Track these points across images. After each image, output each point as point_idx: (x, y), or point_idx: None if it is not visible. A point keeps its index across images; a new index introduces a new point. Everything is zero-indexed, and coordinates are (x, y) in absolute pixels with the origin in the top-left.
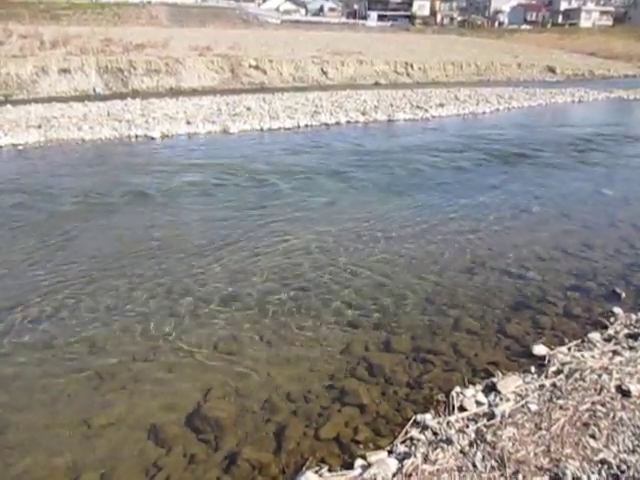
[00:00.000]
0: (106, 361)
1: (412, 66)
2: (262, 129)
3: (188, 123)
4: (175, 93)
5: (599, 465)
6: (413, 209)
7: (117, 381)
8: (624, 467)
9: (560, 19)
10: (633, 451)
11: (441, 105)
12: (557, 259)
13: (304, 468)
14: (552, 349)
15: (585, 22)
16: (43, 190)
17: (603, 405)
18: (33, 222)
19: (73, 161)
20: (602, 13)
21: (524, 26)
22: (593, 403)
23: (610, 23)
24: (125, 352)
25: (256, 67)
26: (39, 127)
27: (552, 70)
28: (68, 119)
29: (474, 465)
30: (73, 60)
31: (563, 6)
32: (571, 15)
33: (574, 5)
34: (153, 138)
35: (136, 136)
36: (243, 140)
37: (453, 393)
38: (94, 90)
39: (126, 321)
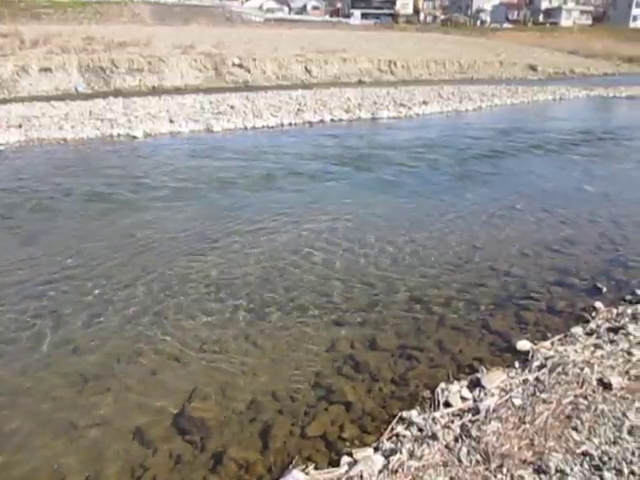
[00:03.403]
0: (90, 362)
1: (396, 64)
2: (246, 128)
3: (171, 122)
4: (158, 92)
5: (582, 457)
6: (396, 207)
7: (101, 382)
8: (605, 458)
9: (541, 18)
10: (614, 442)
11: (425, 103)
12: (540, 255)
13: (290, 466)
14: (535, 344)
15: (566, 21)
16: (20, 190)
17: (585, 398)
18: (15, 222)
19: (54, 161)
20: (582, 12)
21: (506, 25)
22: (575, 396)
23: (590, 22)
24: (109, 353)
25: (240, 65)
26: (20, 127)
27: (534, 68)
28: (49, 118)
29: (459, 460)
30: (54, 59)
31: (544, 5)
32: (552, 14)
33: (555, 4)
34: (135, 137)
35: (118, 135)
36: (227, 139)
37: (438, 389)
38: (76, 89)
39: (109, 322)
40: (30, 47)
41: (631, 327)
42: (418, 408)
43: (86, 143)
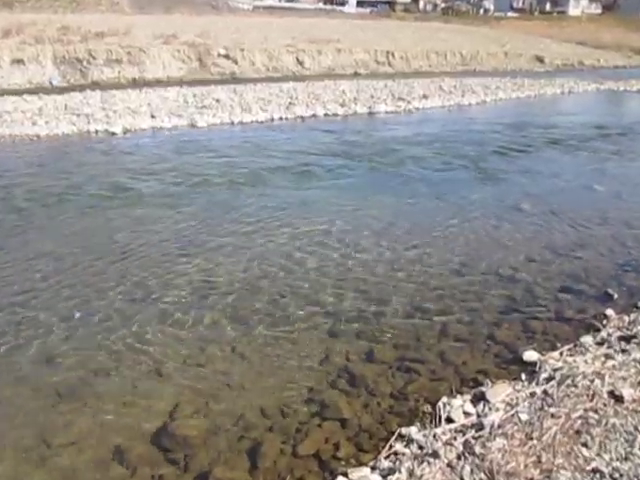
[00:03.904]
0: (65, 376)
1: (394, 55)
2: (233, 122)
3: (152, 117)
4: (138, 84)
5: (592, 474)
6: (395, 209)
7: (77, 398)
8: (617, 475)
9: (548, 7)
10: (626, 458)
11: (425, 96)
12: (548, 259)
13: None
14: (543, 354)
15: (574, 10)
16: None
17: (595, 412)
18: None
19: (26, 158)
20: (591, 1)
21: (510, 13)
22: (585, 410)
23: (599, 12)
24: (86, 366)
25: (226, 56)
26: None
27: (540, 60)
28: (22, 113)
29: (462, 479)
30: (27, 50)
31: None
32: (559, 2)
33: None
34: (114, 133)
35: (96, 131)
36: (212, 135)
37: (440, 404)
38: (50, 82)
39: (86, 333)
40: (1, 37)
41: None
42: (418, 424)
43: (61, 140)
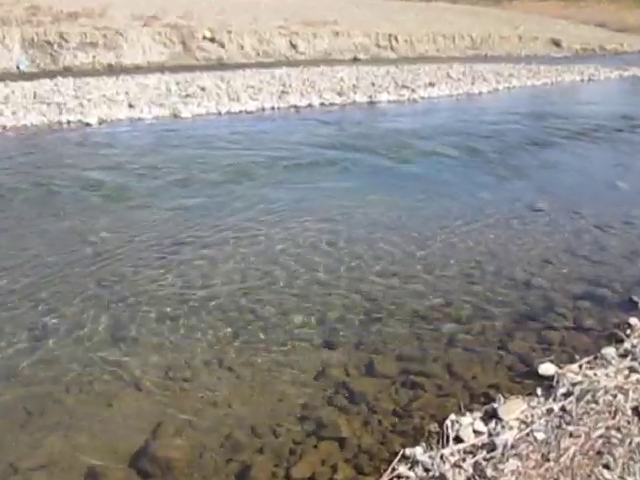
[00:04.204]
0: (34, 393)
1: (396, 38)
2: (220, 113)
3: (131, 106)
4: (115, 71)
5: None
6: (398, 208)
7: (48, 417)
8: None
9: None
10: None
11: (431, 84)
12: (566, 263)
13: None
14: (561, 368)
15: None
16: None
17: (618, 430)
18: None
19: None
20: None
21: None
22: (607, 428)
23: None
24: (57, 382)
25: (212, 39)
26: None
27: (557, 44)
28: None
29: None
30: None
31: None
32: None
33: None
34: (89, 124)
35: (68, 122)
36: (197, 126)
37: (447, 422)
38: (18, 67)
39: (58, 345)
40: None
41: None
42: (424, 444)
43: (30, 131)
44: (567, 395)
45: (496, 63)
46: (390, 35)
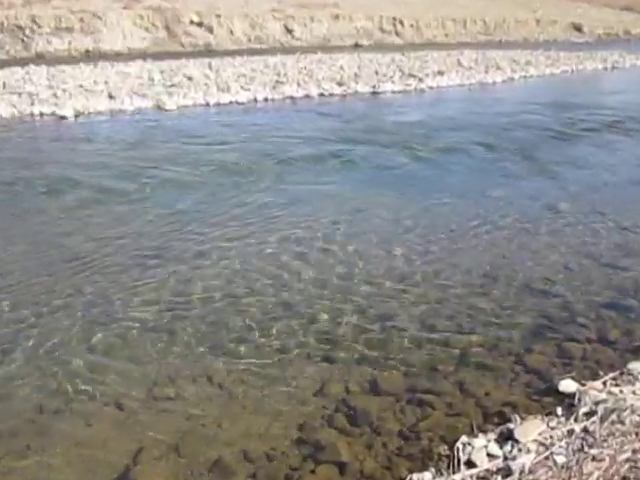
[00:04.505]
0: (4, 414)
1: (402, 23)
2: (208, 104)
3: (110, 97)
4: (93, 58)
5: None
6: (405, 209)
7: (20, 439)
8: None
9: None
10: None
11: (440, 73)
12: (589, 269)
13: None
14: (583, 384)
15: None
16: None
17: None
18: None
19: None
20: None
21: None
22: (634, 451)
23: None
24: (29, 400)
25: (199, 24)
26: None
27: (578, 28)
28: None
29: None
30: None
31: None
32: None
33: None
34: (64, 117)
35: (41, 114)
36: (183, 119)
37: (459, 444)
38: None
39: (29, 360)
40: None
41: None
42: (433, 469)
43: None
44: (590, 415)
45: (511, 49)
46: (395, 19)
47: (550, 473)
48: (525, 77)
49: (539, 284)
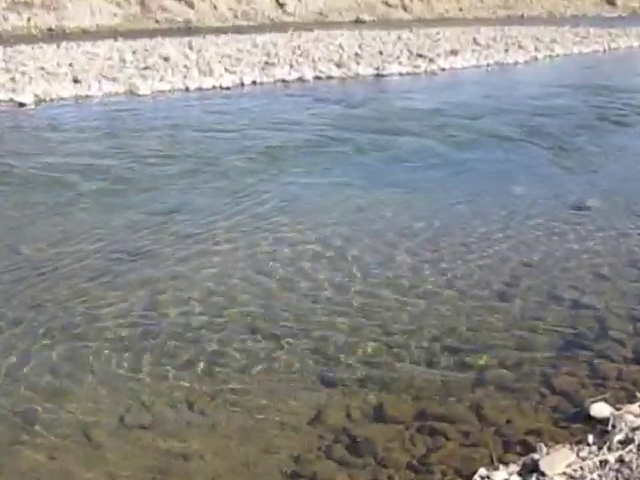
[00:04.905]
0: None
1: None
2: (188, 89)
3: (76, 81)
4: (56, 36)
5: None
6: (415, 209)
7: None
8: None
9: None
10: None
11: (453, 53)
12: (624, 277)
13: None
14: (618, 408)
15: None
16: None
17: None
18: None
19: None
20: None
21: None
22: None
23: None
24: None
25: None
26: None
27: (611, 2)
28: None
29: None
30: None
31: None
32: None
33: None
34: (22, 104)
35: None
36: (159, 106)
37: (476, 477)
38: None
39: None
40: None
41: None
42: None
43: None
44: (626, 443)
45: (535, 25)
46: None
47: None
48: (550, 57)
49: (567, 294)
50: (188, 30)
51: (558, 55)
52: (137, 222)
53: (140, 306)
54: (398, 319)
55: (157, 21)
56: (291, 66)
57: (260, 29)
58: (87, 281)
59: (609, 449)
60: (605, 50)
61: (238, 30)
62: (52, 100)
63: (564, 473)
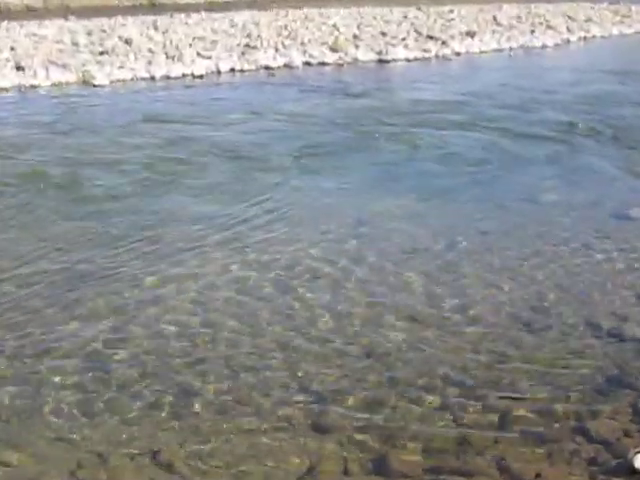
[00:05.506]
0: None
1: None
2: (153, 77)
3: (19, 69)
4: None
5: None
6: (426, 219)
7: None
8: None
9: None
10: None
11: (470, 34)
12: None
13: None
14: None
15: None
16: None
17: None
18: None
19: None
20: None
21: None
22: None
23: None
24: None
25: None
26: None
27: None
28: None
29: None
30: None
31: None
32: None
33: None
34: None
35: None
36: (118, 99)
37: None
38: None
39: None
40: None
41: None
42: None
43: None
44: None
45: (566, 2)
46: None
47: None
48: (585, 38)
49: (607, 323)
50: (152, 7)
51: (594, 37)
52: (88, 239)
53: (95, 322)
54: (406, 354)
55: None
56: (276, 50)
57: (238, 6)
58: (37, 310)
59: None
60: None
61: (212, 7)
62: None
63: None
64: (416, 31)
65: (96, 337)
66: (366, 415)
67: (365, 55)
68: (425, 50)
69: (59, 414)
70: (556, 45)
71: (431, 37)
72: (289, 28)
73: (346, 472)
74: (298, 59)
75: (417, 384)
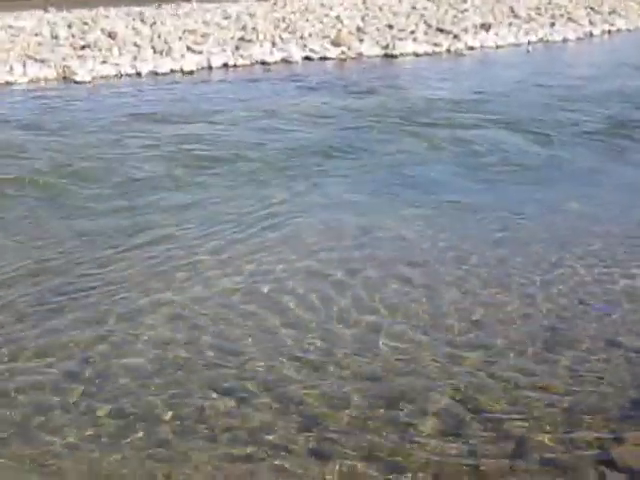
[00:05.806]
0: None
1: None
2: (139, 73)
3: None
4: None
5: None
6: (436, 230)
7: None
8: None
9: None
10: None
11: (485, 27)
12: None
13: None
14: None
15: None
16: None
17: None
18: None
19: None
20: None
21: None
22: None
23: None
24: None
25: None
26: None
27: None
28: None
29: None
30: None
31: None
32: None
33: None
34: None
35: None
36: (101, 97)
37: None
38: None
39: None
40: None
41: None
42: None
43: None
44: None
45: None
46: None
47: None
48: (609, 32)
49: (633, 343)
50: None
51: (620, 30)
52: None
53: (78, 357)
54: (414, 376)
55: None
56: (273, 44)
57: None
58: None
59: None
60: None
61: None
62: None
63: None
64: (426, 23)
65: None
66: (369, 442)
67: (370, 49)
68: (436, 44)
69: (36, 441)
70: (578, 39)
71: (442, 30)
72: (287, 20)
73: None
74: (297, 54)
75: (425, 412)
